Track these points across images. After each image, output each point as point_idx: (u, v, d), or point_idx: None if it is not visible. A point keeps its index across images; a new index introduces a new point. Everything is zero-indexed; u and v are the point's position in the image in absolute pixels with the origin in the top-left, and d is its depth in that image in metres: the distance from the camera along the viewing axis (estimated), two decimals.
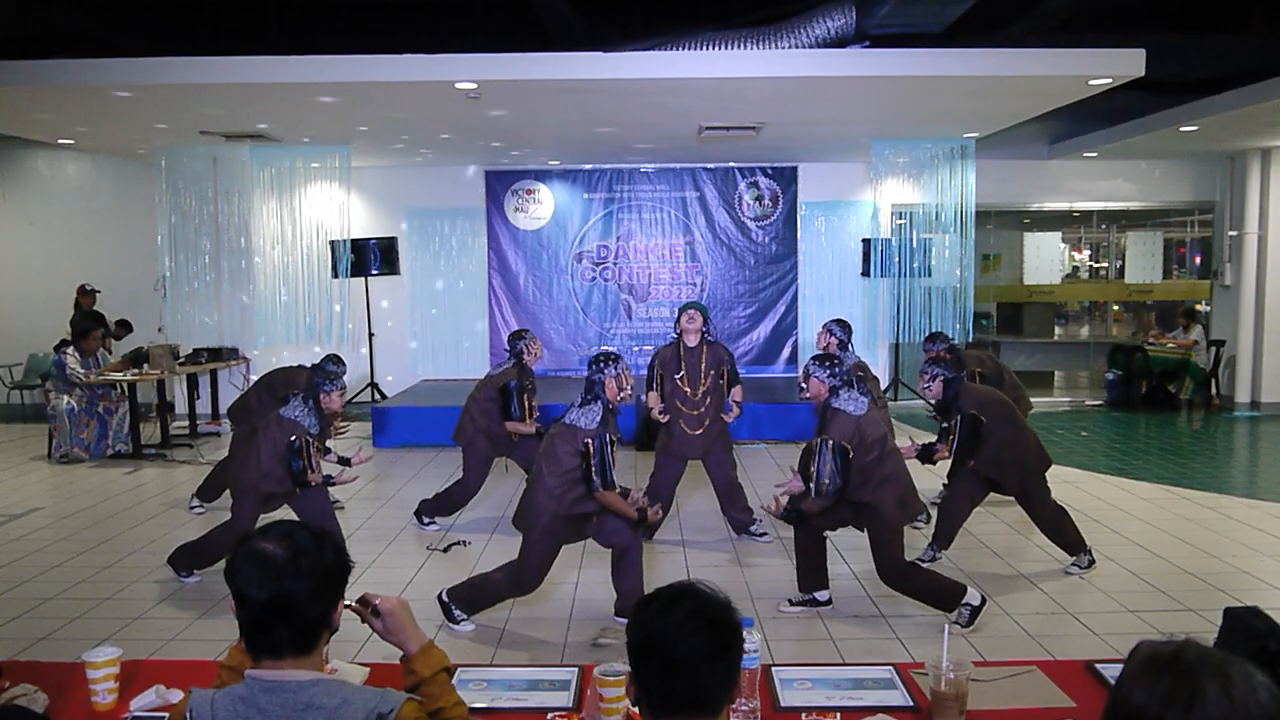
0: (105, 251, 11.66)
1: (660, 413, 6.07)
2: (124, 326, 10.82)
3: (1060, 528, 5.44)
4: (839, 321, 6.38)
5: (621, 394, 4.46)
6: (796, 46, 7.72)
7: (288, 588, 1.61)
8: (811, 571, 4.85)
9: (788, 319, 11.81)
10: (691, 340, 6.00)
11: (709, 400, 6.00)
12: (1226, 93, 8.52)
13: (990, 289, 12.60)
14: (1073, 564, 5.44)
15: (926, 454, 5.35)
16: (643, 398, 6.46)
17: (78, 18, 8.02)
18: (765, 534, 6.18)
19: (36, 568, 5.71)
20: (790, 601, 4.87)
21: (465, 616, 4.61)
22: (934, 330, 6.86)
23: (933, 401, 5.40)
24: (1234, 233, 11.44)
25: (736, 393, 6.13)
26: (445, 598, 4.60)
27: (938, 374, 5.27)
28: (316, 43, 7.68)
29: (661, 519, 5.41)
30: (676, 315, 6.16)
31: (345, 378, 5.59)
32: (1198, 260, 12.73)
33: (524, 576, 4.51)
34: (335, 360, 5.80)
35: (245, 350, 10.88)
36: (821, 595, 4.87)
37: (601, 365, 4.49)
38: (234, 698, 1.61)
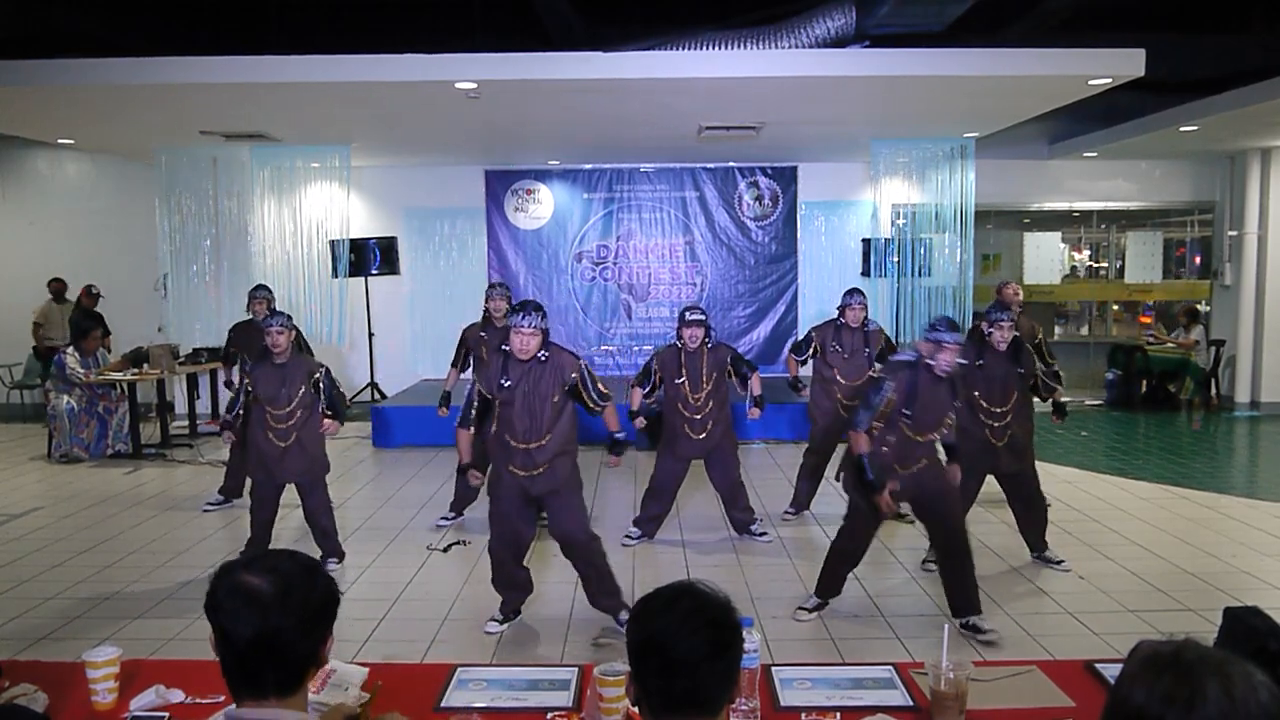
0: (105, 251, 11.66)
1: (643, 416, 6.06)
2: (88, 292, 10.84)
3: (1043, 518, 5.62)
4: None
5: (523, 353, 4.33)
6: (796, 46, 7.71)
7: (274, 625, 1.52)
8: (836, 579, 4.84)
9: (788, 319, 11.81)
10: (691, 345, 5.92)
11: (711, 404, 5.95)
12: (1226, 93, 8.52)
13: (990, 289, 12.57)
14: (1043, 557, 5.58)
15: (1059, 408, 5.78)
16: (630, 403, 6.14)
17: (78, 18, 8.02)
18: (766, 534, 6.18)
19: (36, 567, 5.72)
20: (806, 609, 4.81)
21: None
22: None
23: (1002, 348, 5.28)
24: (1234, 233, 11.44)
25: (755, 384, 6.10)
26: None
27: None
28: (316, 43, 7.68)
29: (480, 484, 4.95)
30: (678, 323, 5.99)
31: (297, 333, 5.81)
32: (1198, 260, 12.73)
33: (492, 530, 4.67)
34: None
35: (246, 350, 10.87)
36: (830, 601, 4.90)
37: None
38: None
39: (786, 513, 6.72)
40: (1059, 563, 5.51)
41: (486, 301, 6.73)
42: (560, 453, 4.47)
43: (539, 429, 4.40)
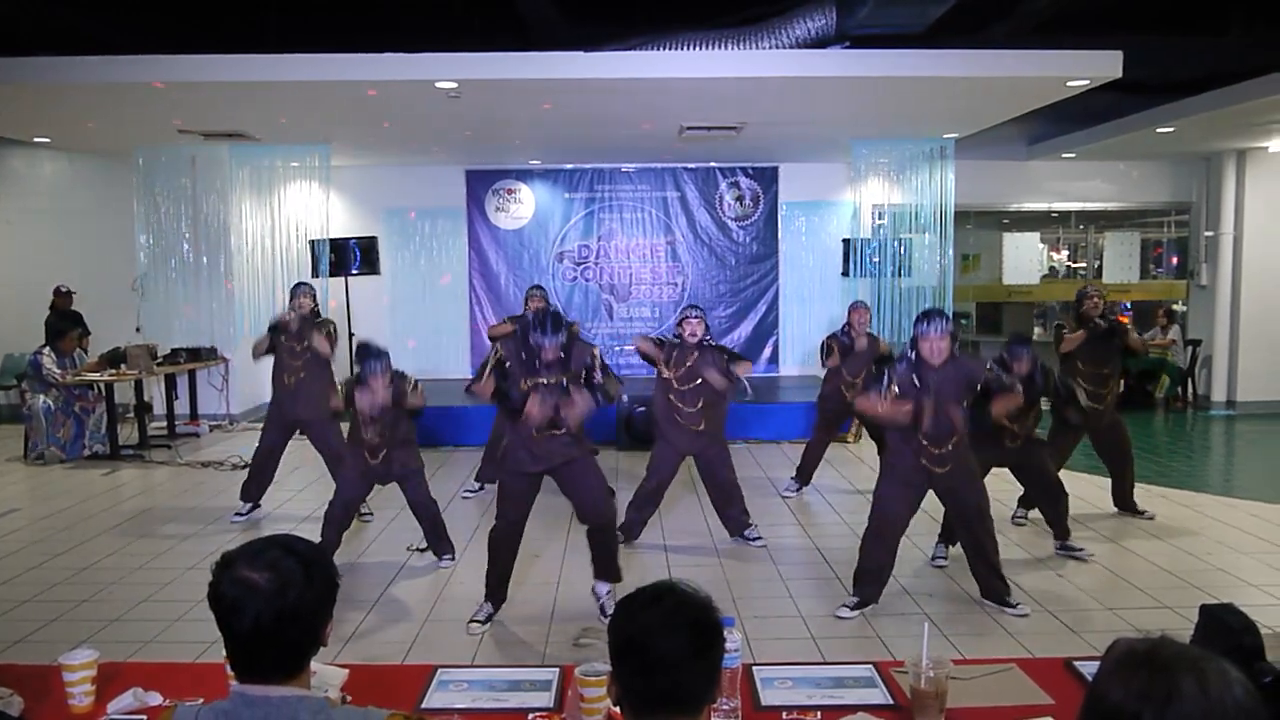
0: (82, 251, 11.53)
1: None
2: (59, 291, 10.63)
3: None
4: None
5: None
6: (777, 47, 7.73)
7: (274, 619, 1.57)
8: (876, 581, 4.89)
9: (769, 319, 11.84)
10: (691, 340, 5.95)
11: (701, 402, 5.89)
12: (1203, 94, 8.60)
13: (970, 289, 12.66)
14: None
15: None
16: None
17: (61, 13, 7.94)
18: (760, 539, 6.05)
19: (12, 569, 5.65)
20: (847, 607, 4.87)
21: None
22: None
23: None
24: (1210, 233, 11.55)
25: (742, 369, 6.02)
26: None
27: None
28: (297, 42, 7.63)
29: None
30: (678, 320, 6.08)
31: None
32: (1175, 260, 12.85)
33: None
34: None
35: (224, 350, 10.78)
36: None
37: None
38: (219, 712, 1.60)
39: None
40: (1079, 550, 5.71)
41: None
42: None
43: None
